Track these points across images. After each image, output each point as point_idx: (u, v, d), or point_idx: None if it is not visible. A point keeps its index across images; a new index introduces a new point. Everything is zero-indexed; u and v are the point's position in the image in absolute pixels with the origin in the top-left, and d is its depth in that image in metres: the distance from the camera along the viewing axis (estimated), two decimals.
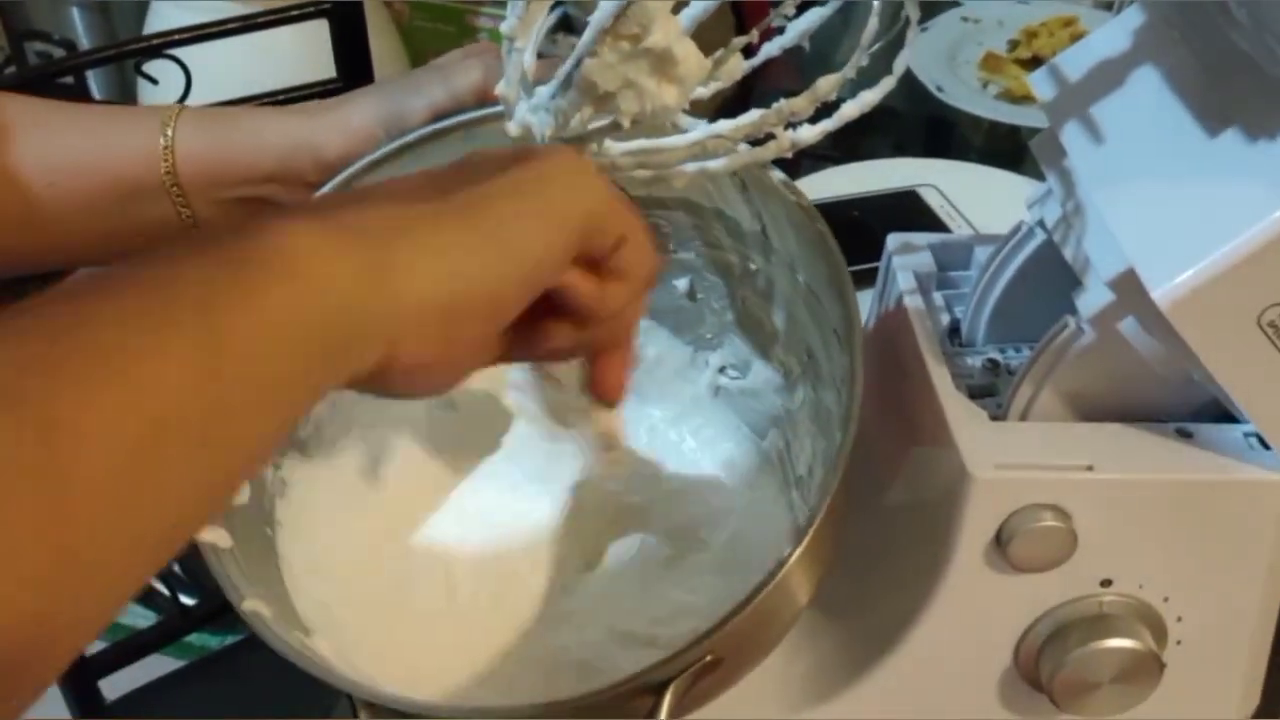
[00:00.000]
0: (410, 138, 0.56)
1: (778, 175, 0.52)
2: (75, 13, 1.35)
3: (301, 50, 0.97)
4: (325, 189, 0.55)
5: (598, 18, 0.40)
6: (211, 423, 0.31)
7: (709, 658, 0.44)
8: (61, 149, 0.55)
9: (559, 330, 0.44)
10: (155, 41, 0.75)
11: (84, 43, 1.36)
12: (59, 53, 1.35)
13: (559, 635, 0.56)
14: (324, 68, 0.86)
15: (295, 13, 0.80)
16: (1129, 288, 0.46)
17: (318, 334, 0.34)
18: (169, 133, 0.56)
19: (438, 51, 1.40)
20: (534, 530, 0.59)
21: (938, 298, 0.59)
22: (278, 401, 0.34)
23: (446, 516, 0.59)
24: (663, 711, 0.44)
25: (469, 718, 0.49)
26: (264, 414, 0.33)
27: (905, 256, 0.60)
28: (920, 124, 1.19)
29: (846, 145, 1.07)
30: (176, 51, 0.78)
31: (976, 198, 0.94)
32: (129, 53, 0.79)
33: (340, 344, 0.35)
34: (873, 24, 0.41)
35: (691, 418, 0.65)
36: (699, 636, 0.44)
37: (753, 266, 0.59)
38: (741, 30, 1.13)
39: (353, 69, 0.85)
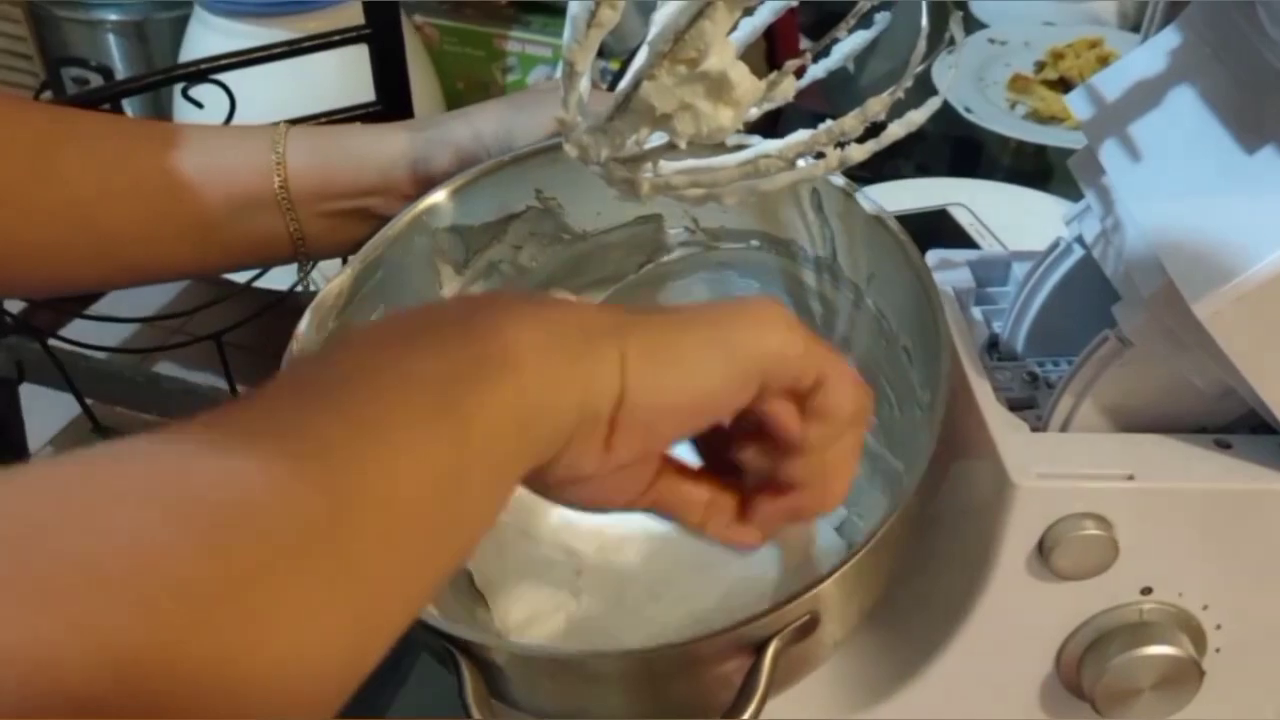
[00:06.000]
0: (506, 157, 0.58)
1: (869, 205, 0.54)
2: (111, 39, 1.38)
3: (339, 74, 0.99)
4: (429, 199, 0.58)
5: (655, 41, 0.41)
6: (458, 500, 0.35)
7: (807, 616, 0.44)
8: (179, 167, 0.57)
9: (753, 450, 0.45)
10: (203, 66, 0.77)
11: (120, 68, 1.38)
12: (96, 79, 1.37)
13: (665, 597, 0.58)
14: (361, 91, 0.87)
15: (338, 37, 0.82)
16: (1169, 301, 0.47)
17: (538, 420, 0.38)
18: (279, 149, 0.59)
19: (467, 75, 1.42)
20: None
21: (976, 312, 0.60)
22: (503, 481, 0.37)
23: None
24: (764, 668, 0.43)
25: (571, 660, 0.48)
26: (492, 493, 0.37)
27: (944, 272, 0.61)
28: (946, 144, 1.20)
29: (872, 166, 1.07)
30: (219, 76, 0.79)
31: (1007, 217, 0.94)
32: (176, 77, 0.81)
33: (551, 432, 0.38)
34: (921, 45, 0.42)
35: None
36: (804, 588, 0.43)
37: (820, 291, 0.60)
38: (772, 51, 1.15)
39: (391, 92, 0.87)
